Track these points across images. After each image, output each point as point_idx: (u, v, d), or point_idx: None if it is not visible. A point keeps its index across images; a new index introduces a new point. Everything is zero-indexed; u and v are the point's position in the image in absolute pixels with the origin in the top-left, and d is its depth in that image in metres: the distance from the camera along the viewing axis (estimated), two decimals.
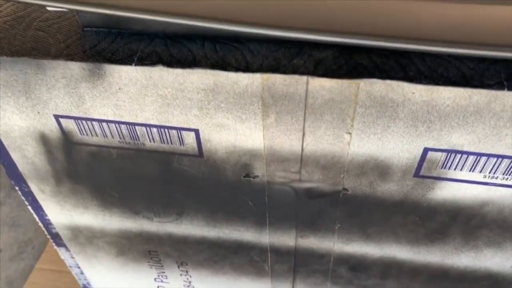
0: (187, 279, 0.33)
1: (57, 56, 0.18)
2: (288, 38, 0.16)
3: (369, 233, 0.25)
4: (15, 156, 0.25)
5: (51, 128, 0.22)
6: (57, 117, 0.22)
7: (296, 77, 0.17)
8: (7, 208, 0.64)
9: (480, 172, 0.20)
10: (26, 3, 0.18)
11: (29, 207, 0.29)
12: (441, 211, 0.22)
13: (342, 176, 0.22)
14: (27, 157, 0.25)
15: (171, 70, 0.18)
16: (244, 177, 0.23)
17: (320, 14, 0.15)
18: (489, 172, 0.20)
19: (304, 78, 0.17)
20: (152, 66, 0.17)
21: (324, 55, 0.18)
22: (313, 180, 0.22)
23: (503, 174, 0.20)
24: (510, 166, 0.19)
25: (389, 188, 0.22)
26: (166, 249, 0.30)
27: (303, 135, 0.20)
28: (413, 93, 0.17)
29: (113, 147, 0.23)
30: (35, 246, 0.60)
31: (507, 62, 0.17)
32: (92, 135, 0.22)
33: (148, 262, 0.32)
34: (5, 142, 0.24)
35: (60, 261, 0.56)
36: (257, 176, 0.23)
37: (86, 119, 0.21)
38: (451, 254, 0.25)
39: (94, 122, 0.22)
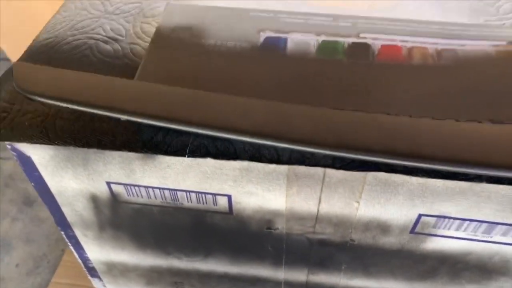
0: None
1: (120, 147, 0.22)
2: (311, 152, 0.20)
3: (370, 272, 0.29)
4: (65, 209, 0.28)
5: (101, 190, 0.26)
6: (108, 183, 0.25)
7: (318, 168, 0.21)
8: (20, 224, 0.68)
9: (464, 231, 0.24)
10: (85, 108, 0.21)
11: (71, 247, 0.32)
12: (432, 258, 0.27)
13: (350, 231, 0.26)
14: (76, 210, 0.28)
15: (218, 161, 0.22)
16: (266, 229, 0.27)
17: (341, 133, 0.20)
18: (471, 231, 0.24)
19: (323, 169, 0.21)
20: (202, 158, 0.21)
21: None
22: (325, 233, 0.26)
23: (482, 233, 0.24)
24: (487, 228, 0.24)
25: (389, 241, 0.26)
26: (191, 281, 0.34)
27: (319, 202, 0.24)
28: (411, 177, 0.21)
29: (155, 205, 0.27)
30: (50, 260, 0.64)
31: None
32: (137, 197, 0.26)
33: None
34: (58, 200, 0.28)
35: (75, 275, 0.60)
36: (278, 228, 0.27)
37: (134, 185, 0.25)
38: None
39: (141, 188, 0.25)
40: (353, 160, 0.21)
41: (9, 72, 0.25)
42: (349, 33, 0.23)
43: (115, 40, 0.26)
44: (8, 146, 0.24)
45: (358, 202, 0.24)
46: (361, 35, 0.23)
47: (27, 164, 0.25)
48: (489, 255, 0.26)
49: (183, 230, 0.28)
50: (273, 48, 0.23)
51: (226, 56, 0.22)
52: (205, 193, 0.25)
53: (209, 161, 0.22)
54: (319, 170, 0.22)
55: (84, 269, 0.35)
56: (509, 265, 0.26)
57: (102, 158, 0.24)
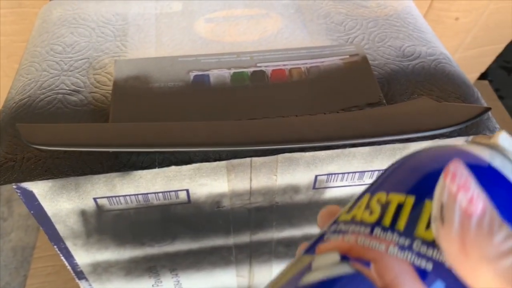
0: (177, 280, 0.46)
1: (107, 171, 0.31)
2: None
3: (293, 223, 0.41)
4: (58, 226, 0.36)
5: (89, 205, 0.35)
6: (95, 198, 0.34)
7: (246, 159, 0.32)
8: None
9: (346, 181, 0.37)
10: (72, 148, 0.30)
11: (62, 258, 0.40)
12: (330, 203, 0.39)
13: (274, 196, 0.37)
14: (67, 225, 0.36)
15: (178, 167, 0.31)
16: (216, 208, 0.37)
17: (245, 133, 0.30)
18: (351, 180, 0.37)
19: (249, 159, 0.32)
20: (167, 167, 0.31)
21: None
22: (258, 202, 0.38)
23: (358, 179, 0.37)
24: (359, 175, 0.36)
25: (300, 197, 0.38)
26: (162, 262, 0.43)
27: (250, 181, 0.35)
28: (304, 153, 0.33)
29: (131, 208, 0.36)
30: (14, 287, 0.68)
31: None
32: (117, 204, 0.35)
33: (149, 274, 0.45)
34: (53, 220, 0.36)
35: None
36: (225, 206, 0.37)
37: (115, 196, 0.34)
38: None
39: (120, 197, 0.34)
40: (268, 150, 0.33)
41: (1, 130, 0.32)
42: (249, 64, 0.34)
43: (77, 91, 0.35)
44: (14, 186, 0.32)
45: (276, 175, 0.35)
46: (258, 64, 0.34)
47: (29, 197, 0.33)
48: None
49: (153, 223, 0.38)
50: (201, 83, 0.33)
51: (170, 94, 0.32)
52: (169, 191, 0.35)
53: (172, 168, 0.32)
54: (247, 160, 0.33)
55: (73, 274, 0.43)
56: None
57: (91, 180, 0.32)
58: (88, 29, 0.39)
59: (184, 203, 0.36)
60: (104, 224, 0.37)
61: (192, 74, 0.33)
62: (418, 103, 0.31)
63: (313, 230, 0.42)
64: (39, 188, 0.32)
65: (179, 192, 0.35)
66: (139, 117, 0.31)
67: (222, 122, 0.30)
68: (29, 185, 0.32)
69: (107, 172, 0.31)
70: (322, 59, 0.34)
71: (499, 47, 0.74)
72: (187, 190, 0.35)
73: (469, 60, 0.72)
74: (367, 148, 0.34)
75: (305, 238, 0.43)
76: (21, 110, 0.33)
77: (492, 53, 0.74)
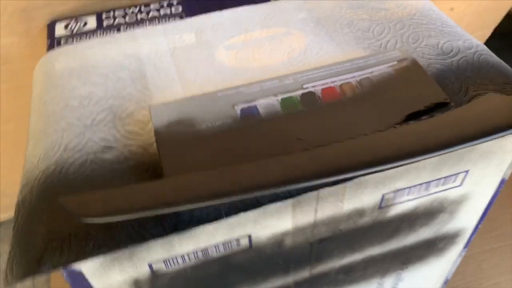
0: None
1: (170, 232, 0.27)
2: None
3: (354, 248, 0.38)
4: None
5: (143, 273, 0.31)
6: (150, 264, 0.30)
7: (314, 192, 0.29)
8: None
9: (412, 194, 0.34)
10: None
11: None
12: (394, 220, 0.36)
13: (338, 224, 0.34)
14: None
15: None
16: (277, 249, 0.34)
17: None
18: (416, 193, 0.34)
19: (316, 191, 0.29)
20: (236, 214, 0.27)
21: None
22: (321, 233, 0.34)
23: (424, 191, 0.34)
24: (425, 186, 0.34)
25: (365, 220, 0.35)
26: None
27: (315, 213, 0.32)
28: (374, 174, 0.30)
29: (189, 267, 0.32)
30: None
31: None
32: (174, 266, 0.31)
33: None
34: None
35: None
36: (286, 245, 0.34)
37: (172, 257, 0.30)
38: (403, 239, 0.39)
39: (178, 257, 0.30)
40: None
41: (29, 214, 0.28)
42: (295, 87, 0.31)
43: (109, 147, 0.31)
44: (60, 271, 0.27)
45: (342, 202, 0.32)
46: (304, 86, 0.31)
47: (77, 278, 0.29)
48: (430, 202, 0.36)
49: (211, 277, 0.34)
50: (250, 116, 0.30)
51: (220, 134, 0.29)
52: (230, 240, 0.31)
53: (234, 216, 0.29)
54: (314, 193, 0.30)
55: None
56: (442, 204, 0.37)
57: (147, 245, 0.28)
58: (102, 76, 0.35)
59: (245, 250, 0.33)
60: (158, 286, 0.33)
61: (238, 108, 0.30)
62: (488, 101, 0.29)
63: (375, 251, 0.39)
64: (88, 267, 0.28)
65: (241, 240, 0.31)
66: (194, 165, 0.27)
67: (294, 154, 0.27)
68: (78, 265, 0.28)
69: (169, 234, 0.27)
70: (370, 70, 0.32)
71: (488, 32, 0.75)
72: (250, 236, 0.31)
73: None
74: (436, 158, 0.31)
75: (365, 261, 0.40)
76: (52, 179, 0.29)
77: (481, 38, 0.75)
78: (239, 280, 0.36)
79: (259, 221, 0.30)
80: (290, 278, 0.38)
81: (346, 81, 0.31)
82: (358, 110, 0.30)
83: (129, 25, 0.42)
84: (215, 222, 0.27)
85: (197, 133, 0.29)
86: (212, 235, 0.30)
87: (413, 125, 0.28)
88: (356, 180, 0.30)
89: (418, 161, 0.26)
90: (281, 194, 0.28)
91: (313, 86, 0.31)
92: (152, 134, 0.31)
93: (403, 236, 0.39)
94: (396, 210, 0.35)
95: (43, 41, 0.42)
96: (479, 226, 0.44)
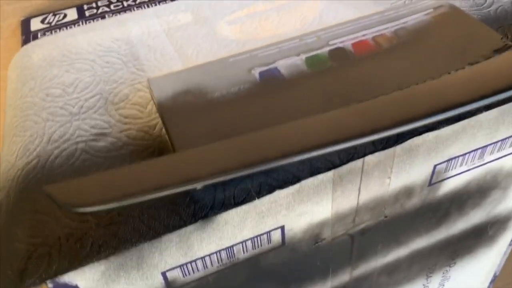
0: None
1: (190, 222, 0.21)
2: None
3: (400, 240, 0.32)
4: None
5: (156, 285, 0.24)
6: (164, 273, 0.24)
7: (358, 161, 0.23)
8: None
9: (466, 164, 0.29)
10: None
11: None
12: (444, 201, 0.31)
13: (383, 209, 0.29)
14: None
15: (273, 195, 0.22)
16: (314, 245, 0.28)
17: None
18: (470, 162, 0.29)
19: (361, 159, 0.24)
20: (270, 193, 0.22)
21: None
22: (363, 221, 0.29)
23: (478, 159, 0.29)
24: (480, 153, 0.29)
25: (413, 202, 0.29)
26: None
27: (359, 193, 0.26)
28: (428, 134, 0.25)
29: (211, 274, 0.26)
30: None
31: None
32: (194, 273, 0.25)
33: None
34: None
35: None
36: (324, 239, 0.28)
37: (191, 262, 0.24)
38: (452, 226, 0.34)
39: (197, 261, 0.24)
40: (384, 140, 0.24)
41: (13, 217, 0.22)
42: (320, 45, 0.26)
43: (104, 134, 0.25)
44: (50, 285, 0.21)
45: (389, 177, 0.26)
46: (330, 42, 0.26)
47: None
48: (483, 175, 0.31)
49: (237, 286, 0.28)
50: (272, 78, 0.25)
51: (238, 100, 0.24)
52: (260, 235, 0.25)
53: (265, 198, 0.23)
54: (359, 163, 0.24)
55: None
56: (497, 178, 0.32)
57: (159, 246, 0.22)
58: (87, 62, 0.30)
59: (277, 247, 0.27)
60: None
61: (255, 72, 0.25)
62: None
63: (422, 243, 0.34)
64: (86, 279, 0.22)
65: (272, 233, 0.25)
66: (210, 137, 0.22)
67: (335, 111, 0.21)
68: (73, 278, 0.21)
69: (189, 224, 0.21)
70: (404, 20, 0.27)
71: None
72: (282, 227, 0.26)
73: None
74: (495, 112, 0.26)
75: (410, 257, 0.34)
76: (34, 175, 0.23)
77: None
78: (269, 284, 0.29)
79: (293, 206, 0.24)
80: (329, 283, 0.32)
81: (379, 33, 0.27)
82: (400, 60, 0.25)
83: (115, 12, 0.37)
84: (244, 204, 0.21)
85: (211, 102, 0.24)
86: (238, 227, 0.24)
87: (471, 69, 0.24)
88: (406, 146, 0.25)
89: (490, 103, 0.21)
90: (320, 164, 0.23)
91: (341, 42, 0.26)
92: (154, 115, 0.26)
93: (452, 222, 0.33)
94: (448, 186, 0.30)
95: (17, 40, 0.37)
96: None
